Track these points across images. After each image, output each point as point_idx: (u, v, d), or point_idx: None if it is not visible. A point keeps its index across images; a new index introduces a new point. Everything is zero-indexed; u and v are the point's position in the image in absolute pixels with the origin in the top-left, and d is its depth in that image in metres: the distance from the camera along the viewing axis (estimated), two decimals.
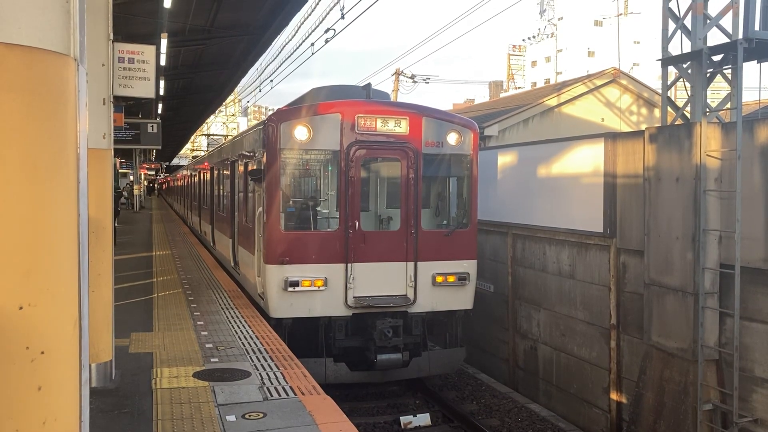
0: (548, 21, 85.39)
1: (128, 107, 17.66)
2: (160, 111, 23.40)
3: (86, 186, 2.02)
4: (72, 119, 1.82)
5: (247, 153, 12.14)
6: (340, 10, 14.62)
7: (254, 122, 42.87)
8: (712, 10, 9.18)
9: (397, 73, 32.88)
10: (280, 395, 6.02)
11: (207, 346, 7.82)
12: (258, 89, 32.33)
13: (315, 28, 17.23)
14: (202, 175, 22.21)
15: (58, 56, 1.76)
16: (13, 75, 1.65)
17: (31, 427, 1.66)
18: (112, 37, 6.31)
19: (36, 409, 1.67)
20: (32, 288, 1.67)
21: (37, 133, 1.70)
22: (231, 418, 5.44)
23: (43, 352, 1.68)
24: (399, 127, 10.32)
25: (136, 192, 39.34)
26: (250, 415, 5.49)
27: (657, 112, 17.90)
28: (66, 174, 1.80)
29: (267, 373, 6.72)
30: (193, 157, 51.22)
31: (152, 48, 7.43)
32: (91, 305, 5.51)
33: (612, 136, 10.64)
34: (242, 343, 8.00)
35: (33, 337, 1.66)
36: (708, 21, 9.07)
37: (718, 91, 14.65)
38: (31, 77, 1.68)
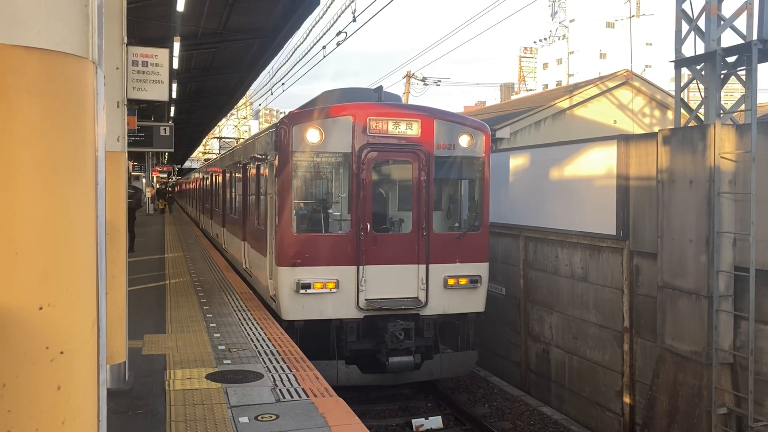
0: (559, 23, 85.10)
1: (141, 110, 17.77)
2: (172, 114, 23.50)
3: (104, 188, 2.04)
4: (91, 122, 1.83)
5: (259, 156, 12.18)
6: (352, 12, 14.66)
7: (265, 125, 42.93)
8: (726, 11, 9.13)
9: (408, 76, 32.90)
10: (292, 397, 6.04)
11: (219, 347, 7.85)
12: (270, 92, 32.38)
13: (327, 31, 17.30)
14: (213, 177, 22.32)
15: (77, 59, 1.78)
16: (33, 78, 1.67)
17: (50, 427, 1.67)
18: (125, 41, 6.36)
19: (55, 409, 1.69)
20: (51, 289, 1.69)
21: (57, 136, 1.72)
22: (244, 419, 5.46)
23: (62, 352, 1.69)
24: (411, 129, 10.32)
25: (148, 194, 39.46)
26: (262, 417, 5.51)
27: (670, 115, 17.80)
28: (84, 176, 1.82)
29: (279, 375, 6.73)
30: (205, 160, 51.44)
31: (165, 51, 7.46)
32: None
33: (625, 139, 10.59)
34: (255, 345, 8.02)
35: (52, 337, 1.68)
36: (722, 22, 9.02)
37: (731, 92, 14.55)
38: (51, 80, 1.70)
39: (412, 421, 10.00)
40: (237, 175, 15.61)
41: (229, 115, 56.72)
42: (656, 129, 13.18)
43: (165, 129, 17.36)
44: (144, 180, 41.71)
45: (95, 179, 1.90)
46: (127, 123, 6.86)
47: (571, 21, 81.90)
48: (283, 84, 28.23)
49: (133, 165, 40.78)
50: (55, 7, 1.75)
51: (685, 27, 9.42)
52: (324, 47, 18.66)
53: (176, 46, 12.98)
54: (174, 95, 18.23)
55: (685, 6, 9.42)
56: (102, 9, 2.00)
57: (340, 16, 15.53)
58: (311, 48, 19.47)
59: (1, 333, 1.60)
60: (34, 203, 1.67)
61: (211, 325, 9.09)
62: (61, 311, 1.70)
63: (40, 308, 1.66)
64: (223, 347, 7.87)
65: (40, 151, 1.67)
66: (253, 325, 9.16)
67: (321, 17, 17.33)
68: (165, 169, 50.30)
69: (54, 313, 1.68)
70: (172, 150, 19.54)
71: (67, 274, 1.73)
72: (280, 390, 6.23)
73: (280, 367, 7.06)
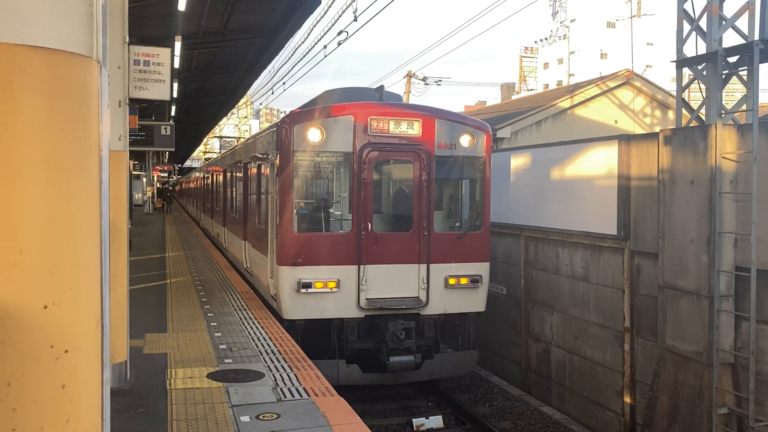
0: (560, 23, 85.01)
1: (142, 109, 17.76)
2: (173, 113, 23.50)
3: (108, 187, 2.04)
4: (95, 121, 1.83)
5: (260, 155, 12.18)
6: (353, 12, 14.66)
7: (266, 125, 42.90)
8: (728, 11, 9.13)
9: (409, 76, 32.91)
10: (293, 396, 6.04)
11: (221, 347, 7.85)
12: (270, 91, 32.34)
13: (327, 30, 17.31)
14: (214, 177, 22.32)
15: (82, 59, 1.78)
16: (38, 77, 1.67)
17: (55, 425, 1.67)
18: (127, 40, 6.36)
19: (60, 407, 1.69)
20: (56, 287, 1.69)
21: (61, 135, 1.71)
22: (245, 419, 5.46)
23: (66, 351, 1.69)
24: (412, 129, 10.33)
25: (148, 193, 39.52)
26: (264, 416, 5.51)
27: (671, 115, 17.80)
28: (89, 175, 1.82)
29: (280, 375, 6.74)
30: (206, 160, 51.45)
31: (167, 51, 7.48)
32: None
33: (626, 138, 10.59)
34: (256, 344, 8.03)
35: (57, 335, 1.68)
36: (723, 22, 9.01)
37: (732, 93, 14.56)
38: (55, 79, 1.70)
39: (413, 420, 10.00)
40: (238, 174, 15.61)
41: (229, 114, 56.70)
42: (657, 129, 13.17)
43: (166, 128, 17.35)
44: (144, 179, 41.72)
45: (99, 178, 1.90)
46: (129, 122, 6.87)
47: (572, 21, 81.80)
48: (284, 83, 28.22)
49: (134, 164, 40.76)
50: (60, 6, 1.75)
51: (686, 27, 9.42)
52: (325, 47, 18.65)
53: (177, 45, 12.99)
54: (175, 94, 18.24)
55: (687, 6, 9.41)
56: (106, 8, 2.00)
57: (341, 16, 15.54)
58: (312, 47, 19.48)
59: (7, 332, 1.60)
60: (38, 202, 1.67)
61: (212, 324, 9.10)
62: (65, 310, 1.70)
63: (45, 307, 1.66)
64: (224, 346, 7.87)
65: (44, 149, 1.67)
66: (254, 324, 9.16)
67: (322, 17, 17.34)
68: (166, 168, 50.27)
69: (58, 312, 1.68)
70: (173, 149, 19.54)
71: (72, 272, 1.73)
72: (281, 389, 6.24)
73: (281, 366, 7.07)
